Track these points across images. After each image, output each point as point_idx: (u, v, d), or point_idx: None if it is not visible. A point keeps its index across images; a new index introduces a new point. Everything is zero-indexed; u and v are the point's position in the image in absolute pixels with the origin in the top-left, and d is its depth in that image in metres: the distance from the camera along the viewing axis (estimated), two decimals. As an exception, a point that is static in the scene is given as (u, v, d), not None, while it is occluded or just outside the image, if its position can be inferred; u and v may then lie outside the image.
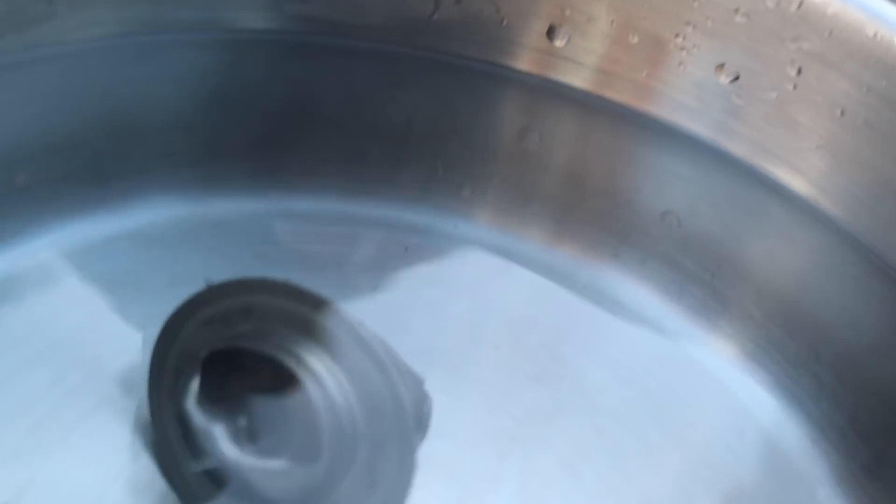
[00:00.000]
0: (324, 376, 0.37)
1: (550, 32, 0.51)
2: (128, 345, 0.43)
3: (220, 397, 0.37)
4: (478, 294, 0.50)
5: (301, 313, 0.37)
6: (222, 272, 0.38)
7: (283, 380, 0.36)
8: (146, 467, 0.40)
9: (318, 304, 0.37)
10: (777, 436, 0.45)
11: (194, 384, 0.37)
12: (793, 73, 0.47)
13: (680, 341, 0.49)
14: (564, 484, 0.43)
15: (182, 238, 0.49)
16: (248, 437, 0.36)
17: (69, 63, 0.48)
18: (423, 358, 0.39)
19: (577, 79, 0.52)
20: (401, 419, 0.36)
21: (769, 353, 0.48)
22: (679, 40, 0.49)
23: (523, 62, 0.52)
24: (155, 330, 0.39)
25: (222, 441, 0.36)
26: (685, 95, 0.50)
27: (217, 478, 0.37)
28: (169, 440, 0.39)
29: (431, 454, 0.38)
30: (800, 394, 0.47)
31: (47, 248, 0.47)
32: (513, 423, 0.44)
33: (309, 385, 0.36)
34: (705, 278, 0.50)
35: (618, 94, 0.51)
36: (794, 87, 0.47)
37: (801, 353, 0.47)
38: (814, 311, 0.48)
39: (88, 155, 0.48)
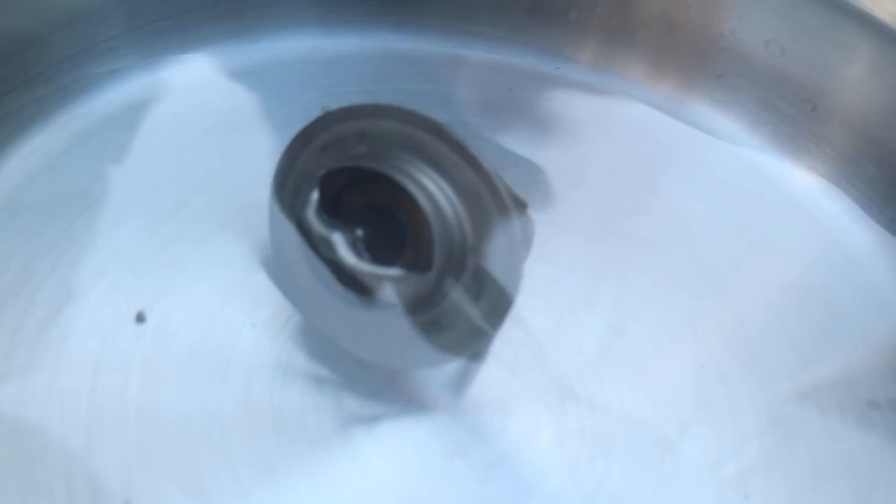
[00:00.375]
0: (435, 192, 0.38)
1: None
2: (251, 172, 0.45)
3: (337, 210, 0.39)
4: (578, 130, 0.51)
5: (413, 134, 0.39)
6: (338, 104, 0.40)
7: (396, 195, 0.38)
8: (264, 281, 0.43)
9: (429, 125, 0.39)
10: (868, 265, 0.47)
11: (313, 198, 0.39)
12: None
13: (775, 174, 0.50)
14: (659, 304, 0.45)
15: (294, 76, 0.51)
16: (366, 245, 0.39)
17: None
18: (526, 188, 0.41)
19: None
20: (508, 234, 0.38)
21: (860, 186, 0.49)
22: None
23: None
24: (276, 160, 0.41)
25: (340, 248, 0.38)
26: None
27: (331, 287, 0.40)
28: (286, 254, 0.41)
29: (533, 274, 0.40)
30: (890, 226, 0.48)
31: (176, 79, 0.50)
32: (609, 250, 0.46)
33: (421, 200, 0.38)
34: (800, 113, 0.51)
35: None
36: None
37: (887, 183, 0.49)
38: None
39: None
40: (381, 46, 0.53)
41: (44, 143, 0.47)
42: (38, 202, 0.45)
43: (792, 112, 0.51)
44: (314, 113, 0.40)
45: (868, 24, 0.50)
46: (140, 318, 0.41)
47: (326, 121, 0.40)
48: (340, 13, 0.53)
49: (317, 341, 0.41)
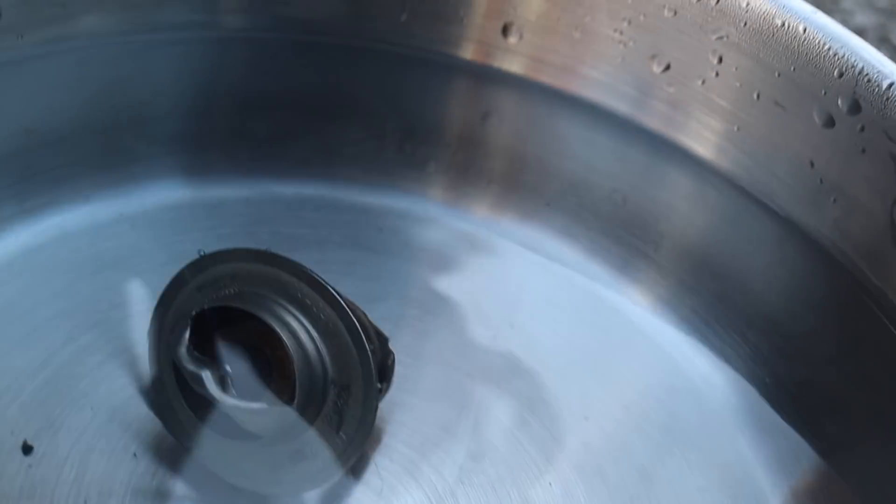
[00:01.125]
0: (298, 330, 0.42)
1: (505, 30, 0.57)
2: (133, 311, 0.50)
3: (208, 348, 0.42)
4: (444, 266, 0.55)
5: (278, 276, 0.43)
6: (214, 247, 0.44)
7: (263, 332, 0.42)
8: (145, 412, 0.46)
9: (293, 268, 0.43)
10: (704, 388, 0.51)
11: (185, 337, 0.42)
12: (714, 61, 0.53)
13: (618, 303, 0.54)
14: (516, 433, 0.48)
15: (178, 220, 0.55)
16: (233, 381, 0.42)
17: (78, 58, 0.54)
18: (391, 324, 0.45)
19: (519, 68, 0.58)
20: (365, 368, 0.42)
21: (698, 311, 0.54)
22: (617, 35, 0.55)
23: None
24: (156, 299, 0.45)
25: (209, 384, 0.41)
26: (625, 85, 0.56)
27: (204, 417, 0.43)
28: (164, 385, 0.45)
29: (398, 403, 0.44)
30: (724, 348, 0.52)
31: (60, 227, 0.53)
32: (469, 381, 0.50)
33: (285, 337, 0.41)
34: (642, 244, 0.56)
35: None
36: (717, 75, 0.53)
37: (721, 308, 0.53)
38: (724, 263, 0.55)
39: (93, 143, 0.55)
40: (260, 191, 0.57)
41: (-59, 286, 0.51)
42: (-67, 342, 0.48)
43: (634, 242, 0.56)
44: (193, 255, 0.44)
45: (685, 158, 0.55)
46: (26, 449, 0.44)
47: (201, 263, 0.44)
48: (221, 161, 0.57)
49: (194, 470, 0.44)
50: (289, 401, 0.41)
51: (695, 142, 0.54)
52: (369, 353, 0.42)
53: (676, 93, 0.53)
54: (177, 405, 0.44)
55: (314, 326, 0.42)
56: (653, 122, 0.55)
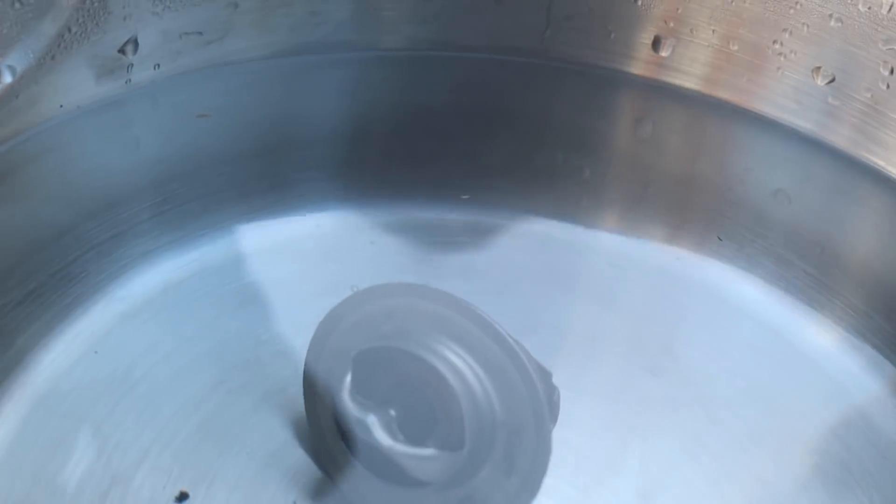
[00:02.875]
0: (463, 370, 0.40)
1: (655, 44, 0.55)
2: (283, 348, 0.48)
3: (370, 392, 0.41)
4: (595, 293, 0.54)
5: (439, 312, 0.41)
6: (364, 280, 0.42)
7: (426, 374, 0.40)
8: (302, 457, 0.45)
9: (453, 303, 0.41)
10: (882, 422, 0.48)
11: (347, 380, 0.41)
12: (885, 72, 0.50)
13: (787, 330, 0.52)
14: (684, 469, 0.46)
15: (325, 249, 0.54)
16: (399, 425, 0.40)
17: (221, 85, 0.54)
18: (548, 356, 0.43)
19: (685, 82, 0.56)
20: (536, 408, 0.40)
21: (871, 340, 0.51)
22: (776, 46, 0.52)
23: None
24: (307, 334, 0.43)
25: (376, 430, 0.40)
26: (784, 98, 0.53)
27: (366, 462, 0.42)
28: (322, 432, 0.43)
29: (560, 441, 0.42)
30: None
31: (201, 261, 0.52)
32: (631, 414, 0.48)
33: (450, 378, 0.40)
34: (810, 267, 0.53)
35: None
36: (888, 87, 0.50)
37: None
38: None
39: (234, 172, 0.54)
40: (405, 218, 0.55)
41: (86, 327, 0.49)
42: (83, 386, 0.46)
43: (802, 265, 0.54)
44: (341, 284, 0.42)
45: (876, 177, 0.52)
46: (181, 498, 0.43)
47: (355, 300, 0.42)
48: (363, 188, 0.56)
49: (355, 517, 0.43)
50: (457, 445, 0.40)
51: (874, 156, 0.52)
52: (540, 391, 0.40)
53: (841, 105, 0.51)
54: (337, 450, 0.42)
55: (479, 365, 0.41)
56: (835, 139, 0.53)
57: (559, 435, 0.42)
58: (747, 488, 0.46)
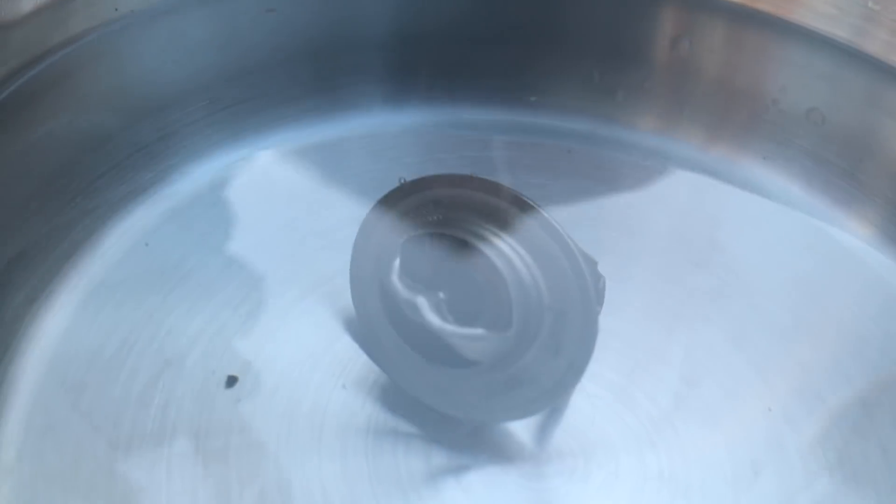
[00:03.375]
0: (510, 254, 0.41)
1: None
2: (330, 241, 0.49)
3: (418, 276, 0.41)
4: (638, 191, 0.54)
5: (486, 200, 0.41)
6: (411, 175, 0.43)
7: (473, 259, 0.41)
8: (349, 343, 0.46)
9: (500, 191, 0.41)
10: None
11: (396, 264, 0.41)
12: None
13: (826, 226, 0.53)
14: (728, 355, 0.46)
15: (370, 148, 0.54)
16: (448, 307, 0.41)
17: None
18: (592, 247, 0.43)
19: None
20: (583, 291, 0.40)
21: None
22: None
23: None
24: (355, 228, 0.43)
25: (425, 311, 0.40)
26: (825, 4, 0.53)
27: (414, 346, 0.42)
28: (370, 319, 0.44)
29: (605, 329, 0.42)
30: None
31: (254, 157, 0.53)
32: (676, 303, 0.48)
33: (497, 263, 0.40)
34: (849, 166, 0.53)
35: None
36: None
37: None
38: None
39: (284, 74, 0.55)
40: (445, 118, 0.56)
41: (137, 221, 0.50)
42: (135, 276, 0.48)
43: (841, 164, 0.54)
44: (386, 182, 0.42)
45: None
46: (231, 382, 0.44)
47: (403, 191, 0.42)
48: (404, 91, 0.57)
49: (403, 399, 0.43)
50: (505, 326, 0.40)
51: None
52: (587, 276, 0.41)
53: (882, 10, 0.51)
54: (385, 336, 0.43)
55: (526, 250, 0.41)
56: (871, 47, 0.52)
57: (604, 323, 0.42)
58: (789, 374, 0.46)
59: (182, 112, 0.53)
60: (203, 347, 0.45)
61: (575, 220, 0.47)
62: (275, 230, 0.50)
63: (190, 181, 0.52)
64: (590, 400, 0.44)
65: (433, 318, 0.40)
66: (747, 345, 0.47)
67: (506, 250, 0.41)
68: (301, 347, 0.46)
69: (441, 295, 0.41)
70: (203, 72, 0.53)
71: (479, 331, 0.40)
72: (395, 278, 0.41)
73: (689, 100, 0.56)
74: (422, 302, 0.40)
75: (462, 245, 0.41)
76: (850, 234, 0.52)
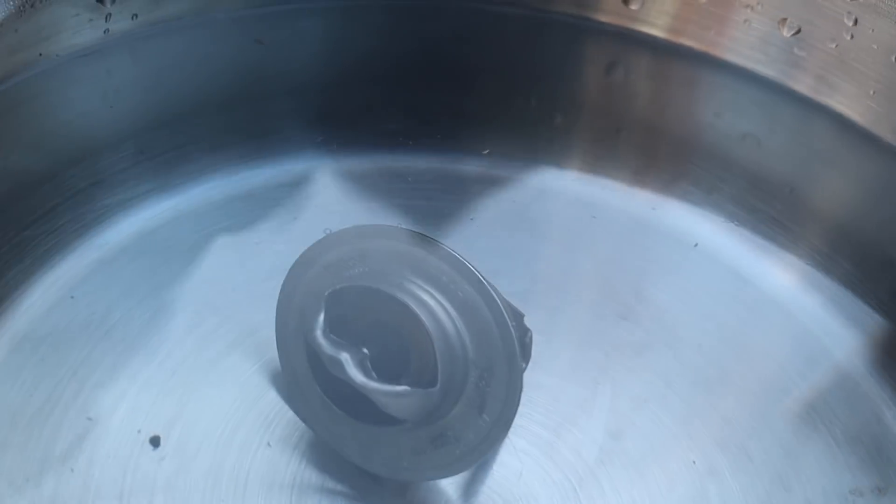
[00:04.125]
0: (435, 309, 0.41)
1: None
2: (256, 292, 0.49)
3: (341, 331, 0.41)
4: (566, 239, 0.54)
5: (411, 252, 0.41)
6: (336, 225, 0.43)
7: (397, 313, 0.40)
8: (275, 399, 0.45)
9: (425, 243, 0.41)
10: (845, 360, 0.49)
11: (320, 319, 0.41)
12: (850, 23, 0.51)
13: (753, 274, 0.53)
14: (653, 408, 0.47)
15: (300, 195, 0.54)
16: (372, 364, 0.40)
17: (200, 35, 0.54)
18: (520, 300, 0.43)
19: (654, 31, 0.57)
20: (508, 347, 0.40)
21: (835, 282, 0.52)
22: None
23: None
24: (281, 279, 0.43)
25: (349, 368, 0.40)
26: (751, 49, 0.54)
27: (339, 403, 0.42)
28: (296, 374, 0.44)
29: (532, 382, 0.43)
30: (867, 322, 0.51)
31: (183, 206, 0.53)
32: (602, 356, 0.49)
33: (422, 316, 0.40)
34: (776, 212, 0.54)
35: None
36: (852, 37, 0.51)
37: (860, 277, 0.52)
38: (870, 235, 0.53)
39: (210, 122, 0.55)
40: (377, 166, 0.56)
41: (64, 272, 0.49)
42: (60, 330, 0.47)
43: (767, 211, 0.54)
44: (315, 231, 0.42)
45: (843, 124, 0.53)
46: (154, 442, 0.44)
47: (328, 242, 0.42)
48: (338, 137, 0.56)
49: (329, 457, 0.43)
50: (430, 382, 0.40)
51: (835, 102, 0.53)
52: (512, 330, 0.41)
53: (808, 56, 0.52)
54: (310, 392, 0.43)
55: (451, 304, 0.41)
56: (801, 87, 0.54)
57: (531, 377, 0.42)
58: (713, 427, 0.47)
59: (110, 159, 0.53)
60: (127, 405, 0.45)
61: (501, 272, 0.46)
62: (201, 282, 0.50)
63: (117, 231, 0.51)
64: (516, 455, 0.45)
65: (357, 376, 0.40)
66: (672, 397, 0.47)
67: (431, 304, 0.41)
68: (225, 404, 0.45)
69: (365, 350, 0.41)
70: (130, 117, 0.53)
71: (403, 388, 0.40)
72: (318, 334, 0.41)
73: (620, 135, 0.58)
74: (346, 358, 0.40)
75: (387, 298, 0.40)
76: (776, 283, 0.53)
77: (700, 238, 0.54)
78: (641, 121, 0.58)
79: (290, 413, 0.45)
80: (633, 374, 0.48)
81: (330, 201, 0.54)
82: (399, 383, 0.40)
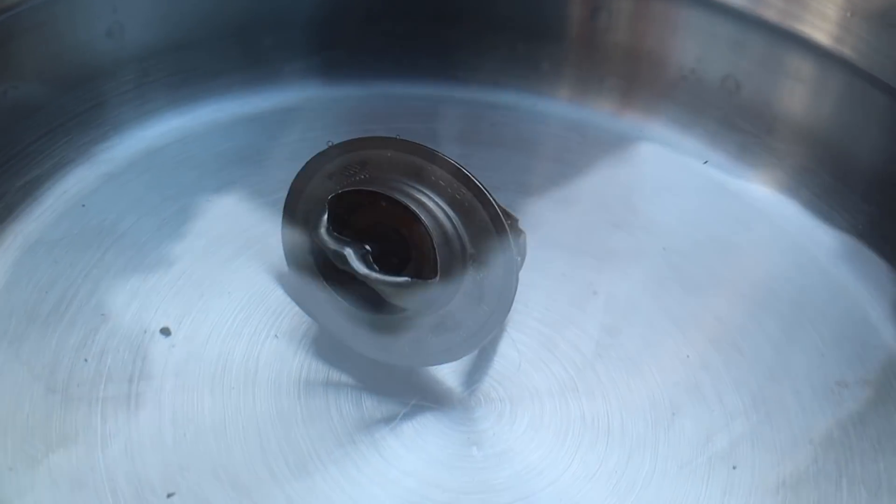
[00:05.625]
0: (433, 208, 0.42)
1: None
2: (262, 202, 0.51)
3: (346, 229, 0.43)
4: (559, 157, 0.56)
5: (410, 160, 0.43)
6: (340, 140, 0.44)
7: (398, 214, 0.42)
8: (282, 296, 0.47)
9: (423, 152, 0.43)
10: (828, 263, 0.51)
11: (324, 219, 0.42)
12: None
13: (740, 188, 0.55)
14: (647, 308, 0.49)
15: (303, 119, 0.56)
16: (374, 259, 0.42)
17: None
18: (513, 208, 0.45)
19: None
20: (503, 242, 0.42)
21: (817, 192, 0.54)
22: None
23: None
24: (286, 191, 0.45)
25: (353, 260, 0.41)
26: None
27: (344, 296, 0.44)
28: (302, 272, 0.45)
29: (529, 283, 0.44)
30: (845, 225, 0.53)
31: (182, 127, 0.55)
32: (596, 261, 0.50)
33: (421, 215, 0.41)
34: (760, 132, 0.56)
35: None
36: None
37: (838, 187, 0.54)
38: (840, 144, 0.55)
39: (218, 47, 0.56)
40: (376, 92, 0.58)
41: (73, 184, 0.51)
42: (73, 235, 0.49)
43: (752, 130, 0.56)
44: (315, 148, 0.44)
45: (806, 46, 0.55)
46: (165, 332, 0.45)
47: (331, 153, 0.44)
48: (339, 65, 0.58)
49: (335, 348, 0.45)
50: (430, 274, 0.41)
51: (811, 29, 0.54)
52: (507, 227, 0.42)
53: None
54: (316, 288, 0.44)
55: (449, 205, 0.42)
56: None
57: (527, 278, 0.44)
58: (706, 326, 0.48)
59: (114, 83, 0.54)
60: (139, 302, 0.46)
61: (496, 186, 0.48)
62: (208, 194, 0.51)
63: (125, 148, 0.53)
64: (516, 347, 0.46)
65: (360, 268, 0.41)
66: (666, 298, 0.49)
67: (429, 205, 0.42)
68: (233, 301, 0.47)
69: (367, 247, 0.42)
70: (135, 44, 0.54)
71: (404, 278, 0.42)
72: (322, 232, 0.42)
73: (606, 70, 0.59)
74: (349, 253, 0.42)
75: (388, 201, 0.42)
76: (761, 195, 0.55)
77: (687, 155, 0.56)
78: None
79: (297, 308, 0.46)
80: (626, 277, 0.50)
81: (330, 124, 0.56)
82: (400, 275, 0.42)
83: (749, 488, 0.43)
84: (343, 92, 0.58)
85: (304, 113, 0.56)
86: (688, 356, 0.47)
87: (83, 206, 0.50)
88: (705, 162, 0.55)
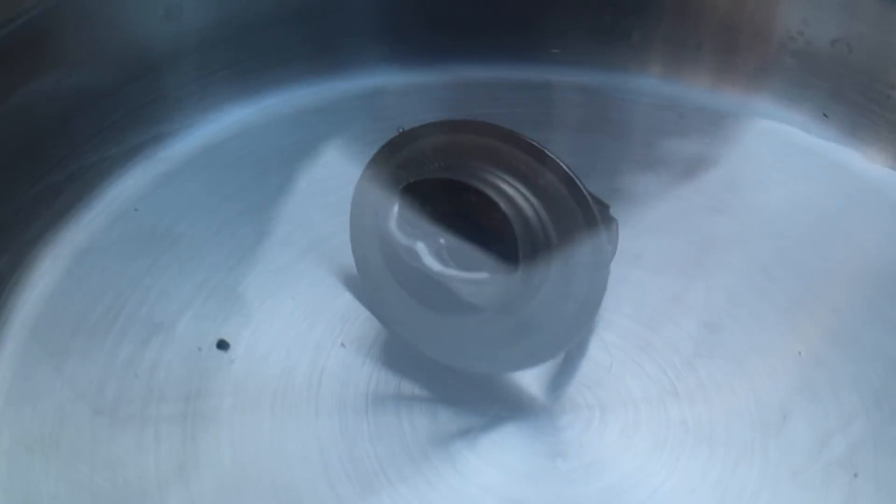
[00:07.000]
0: (514, 196, 0.38)
1: None
2: (328, 201, 0.47)
3: (418, 222, 0.39)
4: (650, 139, 0.52)
5: (488, 144, 0.39)
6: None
7: (477, 202, 0.38)
8: (349, 301, 0.44)
9: (503, 134, 0.39)
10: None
11: (394, 211, 0.39)
12: None
13: (852, 164, 0.51)
14: (752, 300, 0.44)
15: (371, 108, 0.53)
16: (449, 253, 0.39)
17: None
18: (605, 195, 0.41)
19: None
20: (593, 232, 0.38)
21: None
22: None
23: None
24: (353, 186, 0.42)
25: (425, 256, 0.38)
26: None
27: (416, 297, 0.40)
28: (371, 272, 0.42)
29: (621, 276, 0.40)
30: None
31: (250, 120, 0.52)
32: (695, 250, 0.46)
33: (500, 203, 0.38)
34: (873, 103, 0.51)
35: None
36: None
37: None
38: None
39: (280, 36, 0.54)
40: (450, 76, 0.55)
41: (127, 187, 0.49)
42: (124, 241, 0.46)
43: (864, 102, 0.52)
44: (386, 138, 0.40)
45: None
46: (222, 345, 0.42)
47: (403, 140, 0.40)
48: (408, 49, 0.55)
49: (406, 355, 0.42)
50: (511, 269, 0.38)
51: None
52: (597, 216, 0.38)
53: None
54: (387, 289, 0.41)
55: (532, 191, 0.38)
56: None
57: (619, 271, 0.40)
58: (820, 317, 0.44)
59: (174, 74, 0.52)
60: (194, 311, 0.44)
61: (586, 171, 0.45)
62: (270, 193, 0.49)
63: (181, 145, 0.51)
64: (606, 349, 0.43)
65: (434, 264, 0.38)
66: (774, 289, 0.45)
67: (509, 191, 0.39)
68: (298, 306, 0.44)
69: (441, 241, 0.39)
70: (196, 33, 0.52)
71: (483, 274, 0.38)
72: (392, 225, 0.39)
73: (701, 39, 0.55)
74: (421, 247, 0.38)
75: (462, 189, 0.38)
76: (874, 170, 0.51)
77: (796, 129, 0.52)
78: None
79: (365, 313, 0.43)
80: (729, 266, 0.46)
81: (404, 113, 0.51)
82: (478, 271, 0.38)
83: (873, 498, 0.38)
84: (417, 78, 0.55)
85: (374, 102, 0.53)
86: (799, 352, 0.42)
87: (136, 210, 0.48)
88: (825, 115, 0.51)
